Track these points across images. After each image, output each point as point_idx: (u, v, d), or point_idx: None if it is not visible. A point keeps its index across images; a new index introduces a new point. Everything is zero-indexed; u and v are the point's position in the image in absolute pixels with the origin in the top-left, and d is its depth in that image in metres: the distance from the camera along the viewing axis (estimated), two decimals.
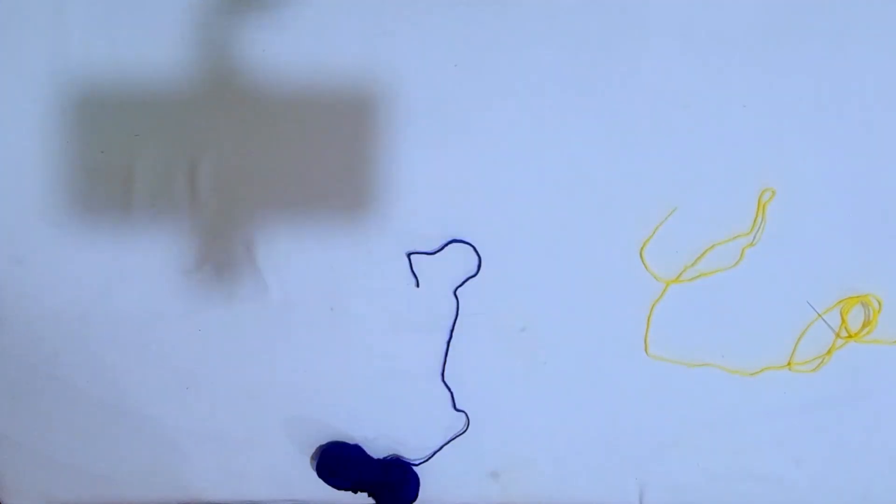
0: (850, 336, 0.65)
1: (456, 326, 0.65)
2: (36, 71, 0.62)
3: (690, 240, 0.65)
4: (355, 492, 0.66)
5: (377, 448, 0.67)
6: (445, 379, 0.66)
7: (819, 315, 0.65)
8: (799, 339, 0.66)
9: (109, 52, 0.62)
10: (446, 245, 0.64)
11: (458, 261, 0.65)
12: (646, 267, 0.65)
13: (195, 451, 0.69)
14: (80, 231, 0.65)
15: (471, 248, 0.65)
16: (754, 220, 0.64)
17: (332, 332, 0.66)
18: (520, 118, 0.63)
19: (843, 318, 0.65)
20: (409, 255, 0.63)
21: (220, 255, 0.65)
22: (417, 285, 0.63)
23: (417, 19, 0.61)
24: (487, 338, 0.66)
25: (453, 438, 0.67)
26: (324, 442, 0.67)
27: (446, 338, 0.66)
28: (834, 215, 0.64)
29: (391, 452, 0.67)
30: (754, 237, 0.64)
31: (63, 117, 0.62)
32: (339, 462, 0.65)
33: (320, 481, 0.66)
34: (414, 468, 0.66)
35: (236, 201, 0.64)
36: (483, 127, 0.63)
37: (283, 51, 0.62)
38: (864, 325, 0.65)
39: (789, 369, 0.66)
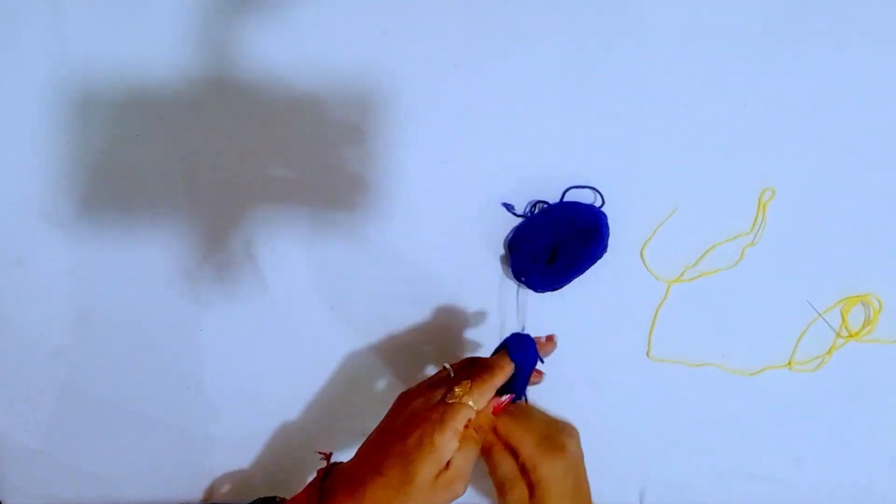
0: (850, 336, 0.65)
1: None
2: (36, 71, 0.62)
3: (691, 240, 0.65)
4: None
5: None
6: None
7: (819, 315, 0.65)
8: (799, 339, 0.66)
9: (109, 52, 0.62)
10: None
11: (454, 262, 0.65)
12: (646, 267, 0.65)
13: (195, 451, 0.69)
14: (80, 231, 0.65)
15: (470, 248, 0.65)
16: (754, 220, 0.64)
17: (332, 332, 0.66)
18: (519, 118, 0.63)
19: (843, 318, 0.65)
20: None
21: (220, 255, 0.65)
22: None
23: (417, 19, 0.61)
24: None
25: None
26: (324, 443, 0.67)
27: None
28: (834, 215, 0.64)
29: None
30: (754, 237, 0.64)
31: (63, 117, 0.62)
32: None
33: None
34: None
35: (236, 201, 0.64)
36: (482, 127, 0.63)
37: (283, 51, 0.62)
38: (864, 325, 0.65)
39: (789, 369, 0.66)
